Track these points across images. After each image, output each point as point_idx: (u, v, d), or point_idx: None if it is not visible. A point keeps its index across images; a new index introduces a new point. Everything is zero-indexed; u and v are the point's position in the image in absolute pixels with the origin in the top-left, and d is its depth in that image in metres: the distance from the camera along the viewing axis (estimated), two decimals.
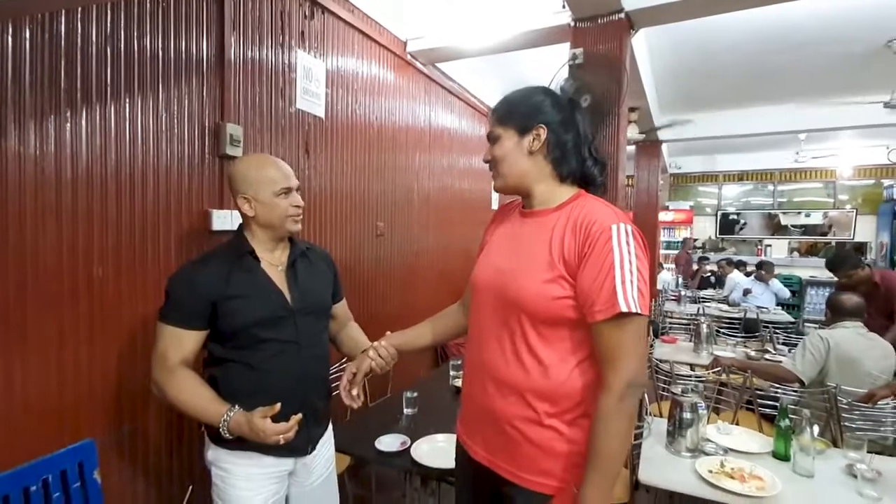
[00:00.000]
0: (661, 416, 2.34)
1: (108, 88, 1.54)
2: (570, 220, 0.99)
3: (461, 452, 1.18)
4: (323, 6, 2.42)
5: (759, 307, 5.00)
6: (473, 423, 1.13)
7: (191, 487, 1.11)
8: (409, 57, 3.24)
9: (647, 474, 1.63)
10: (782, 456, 1.74)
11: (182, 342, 1.19)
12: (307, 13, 2.34)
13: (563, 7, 2.54)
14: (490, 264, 1.11)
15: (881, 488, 1.53)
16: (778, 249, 8.60)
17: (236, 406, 1.15)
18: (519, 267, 1.02)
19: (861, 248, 7.96)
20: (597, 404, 0.92)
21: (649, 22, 2.65)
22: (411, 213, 3.44)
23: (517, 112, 1.06)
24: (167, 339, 1.20)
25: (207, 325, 1.22)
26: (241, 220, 1.34)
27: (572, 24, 2.58)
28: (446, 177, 3.95)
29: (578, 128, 1.06)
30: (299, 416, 1.15)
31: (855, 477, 1.58)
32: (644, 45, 3.67)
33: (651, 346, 3.39)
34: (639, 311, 0.89)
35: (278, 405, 1.12)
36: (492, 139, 1.09)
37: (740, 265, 6.33)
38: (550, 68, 2.46)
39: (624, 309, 0.88)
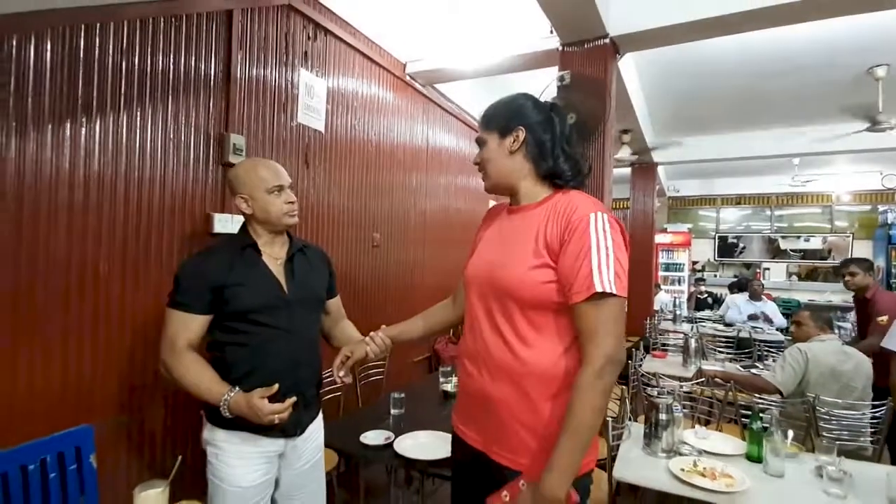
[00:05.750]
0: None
1: (122, 99, 1.68)
2: (553, 211, 1.06)
3: (456, 441, 1.22)
4: (326, 28, 2.58)
5: (753, 327, 5.03)
6: (468, 410, 1.17)
7: (180, 458, 1.17)
8: (408, 78, 3.40)
9: (622, 472, 1.68)
10: (755, 458, 1.78)
11: (189, 326, 1.29)
12: (310, 35, 2.51)
13: (551, 32, 2.69)
14: (481, 258, 1.18)
15: (847, 488, 1.57)
16: (776, 273, 8.63)
17: (236, 388, 1.26)
18: (507, 257, 1.08)
19: None
20: (576, 378, 0.96)
21: (634, 47, 2.80)
22: (408, 231, 3.55)
23: (499, 115, 1.15)
24: (175, 324, 1.29)
25: (211, 310, 1.32)
26: (242, 220, 1.46)
27: (560, 48, 2.73)
28: (443, 196, 4.08)
29: (556, 128, 1.12)
30: (294, 398, 1.25)
31: (822, 478, 1.63)
32: (633, 69, 3.83)
33: (641, 360, 3.43)
34: (614, 292, 0.95)
35: (276, 386, 1.23)
36: (479, 144, 1.18)
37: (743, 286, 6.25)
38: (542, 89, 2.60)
39: (599, 289, 0.94)
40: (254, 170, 1.39)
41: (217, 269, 1.32)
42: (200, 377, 1.27)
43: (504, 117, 1.14)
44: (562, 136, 1.13)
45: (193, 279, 1.31)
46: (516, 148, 1.12)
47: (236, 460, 1.32)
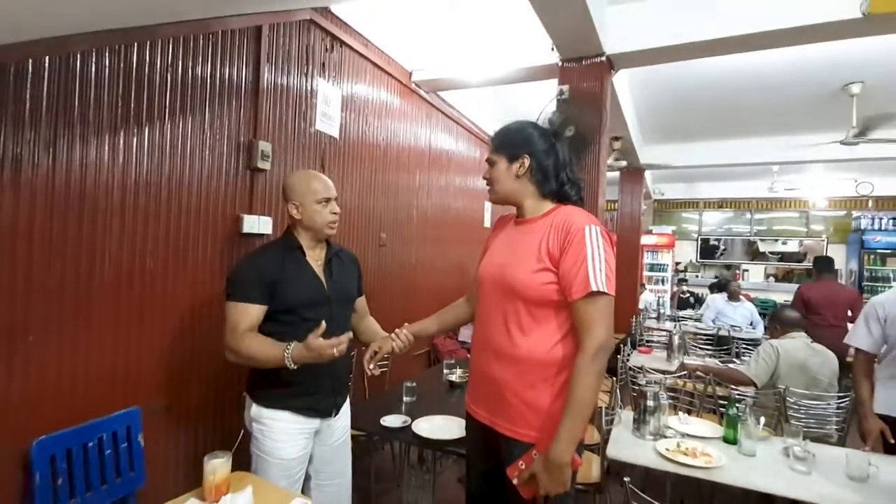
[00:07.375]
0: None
1: (167, 109, 1.83)
2: (553, 224, 1.25)
3: (469, 419, 1.40)
4: (342, 40, 2.74)
5: (732, 326, 5.31)
6: (478, 391, 1.36)
7: (242, 432, 1.33)
8: (413, 85, 3.57)
9: (615, 452, 1.89)
10: (731, 440, 2.01)
11: (247, 314, 1.45)
12: (328, 47, 2.66)
13: (553, 49, 2.89)
14: (492, 261, 1.37)
15: (811, 466, 1.80)
16: (755, 274, 9.00)
17: (292, 342, 1.38)
18: (515, 261, 1.27)
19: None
20: (575, 362, 1.16)
21: (627, 64, 3.01)
22: (411, 229, 3.72)
23: (509, 143, 1.33)
24: (236, 313, 1.44)
25: (267, 301, 1.48)
26: (287, 224, 1.62)
27: (560, 63, 2.93)
28: (443, 195, 4.26)
29: (558, 155, 1.34)
30: (350, 333, 1.40)
31: (789, 457, 1.85)
32: (626, 82, 4.05)
33: (628, 356, 3.67)
34: (606, 291, 1.15)
35: (323, 323, 1.34)
36: (489, 163, 1.36)
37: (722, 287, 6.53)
38: (541, 100, 2.79)
39: (595, 288, 1.13)
40: (307, 181, 1.56)
41: (270, 266, 1.49)
42: (263, 345, 1.42)
43: (513, 144, 1.32)
44: (564, 163, 1.33)
45: (250, 275, 1.48)
46: (522, 173, 1.31)
47: (280, 435, 1.49)
